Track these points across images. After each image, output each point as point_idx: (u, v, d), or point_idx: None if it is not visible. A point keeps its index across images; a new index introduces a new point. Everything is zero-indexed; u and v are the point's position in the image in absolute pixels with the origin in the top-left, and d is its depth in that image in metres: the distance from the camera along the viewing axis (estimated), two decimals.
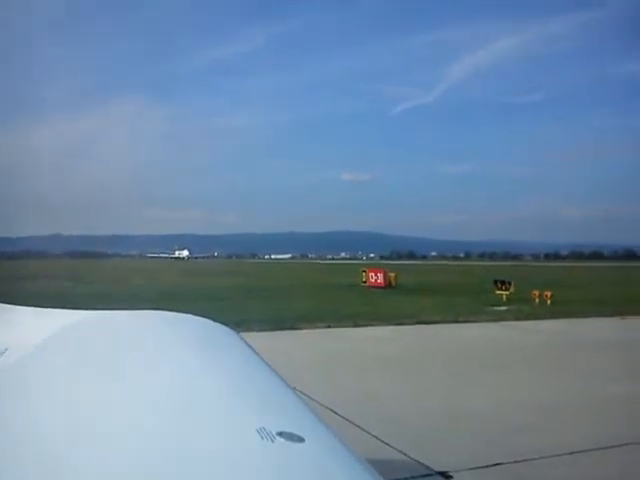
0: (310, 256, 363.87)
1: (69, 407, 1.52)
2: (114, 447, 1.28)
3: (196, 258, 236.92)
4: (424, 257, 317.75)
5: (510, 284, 28.66)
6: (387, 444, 6.95)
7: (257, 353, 2.27)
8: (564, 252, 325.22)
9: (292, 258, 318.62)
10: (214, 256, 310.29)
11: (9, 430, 1.38)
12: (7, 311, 2.86)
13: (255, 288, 38.28)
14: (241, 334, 2.64)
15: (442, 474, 6.11)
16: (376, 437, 7.18)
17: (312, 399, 7.63)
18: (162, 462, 1.19)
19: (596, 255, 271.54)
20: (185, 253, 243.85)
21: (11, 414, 1.51)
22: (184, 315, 2.75)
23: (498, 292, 28.52)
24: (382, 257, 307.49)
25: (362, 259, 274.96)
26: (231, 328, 2.68)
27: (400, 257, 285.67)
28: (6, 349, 2.25)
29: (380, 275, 39.54)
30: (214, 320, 2.75)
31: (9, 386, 1.84)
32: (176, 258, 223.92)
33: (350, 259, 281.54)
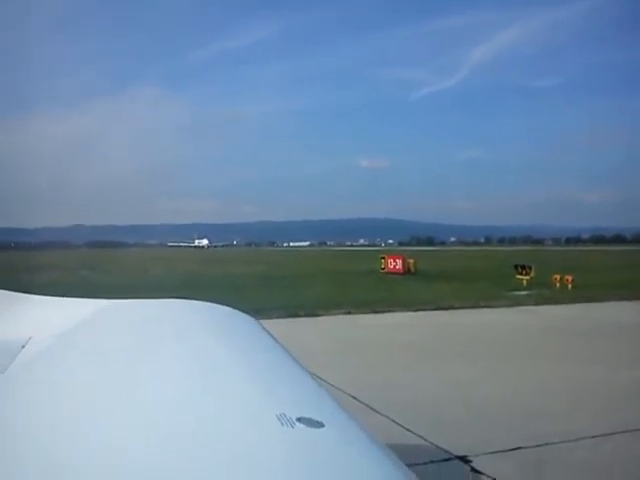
0: (328, 243, 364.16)
1: (93, 396, 1.55)
2: (137, 433, 1.30)
3: (215, 247, 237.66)
4: (443, 243, 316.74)
5: (531, 269, 28.45)
6: (407, 429, 6.97)
7: (277, 340, 2.29)
8: (585, 236, 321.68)
9: (310, 246, 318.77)
10: (233, 244, 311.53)
11: (34, 420, 1.41)
12: (30, 301, 2.91)
13: (275, 276, 38.42)
14: (261, 321, 2.67)
15: (461, 458, 6.12)
16: (396, 422, 7.20)
17: (332, 385, 7.67)
18: (183, 448, 1.21)
19: (618, 238, 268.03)
20: (205, 242, 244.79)
21: (36, 404, 1.54)
22: (205, 303, 2.78)
23: (519, 277, 28.33)
24: (401, 243, 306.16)
25: (381, 246, 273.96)
26: (251, 315, 2.71)
27: (419, 243, 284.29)
28: (30, 338, 2.29)
29: (399, 261, 39.45)
30: (234, 308, 2.77)
31: (33, 376, 1.88)
32: (196, 247, 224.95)
33: (369, 246, 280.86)
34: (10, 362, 1.94)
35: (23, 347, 2.17)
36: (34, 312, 2.71)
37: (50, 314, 2.67)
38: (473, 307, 19.75)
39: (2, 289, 2.93)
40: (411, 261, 39.75)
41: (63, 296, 3.10)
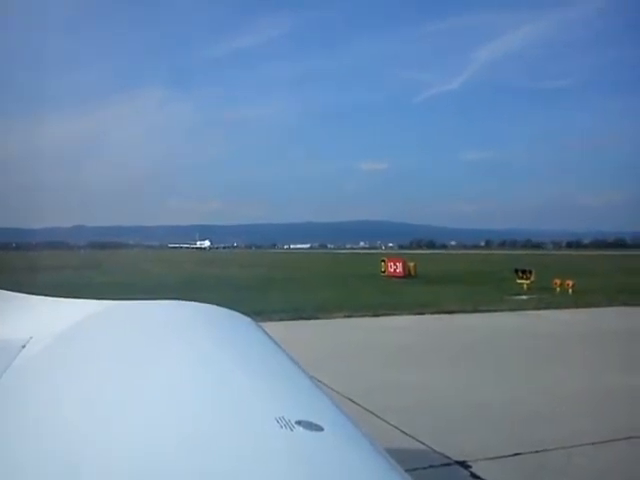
0: (329, 246, 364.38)
1: (93, 397, 1.55)
2: (134, 435, 1.29)
3: (217, 248, 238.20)
4: (444, 246, 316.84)
5: (531, 273, 28.42)
6: (406, 434, 6.96)
7: (276, 342, 2.28)
8: (586, 240, 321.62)
9: (311, 248, 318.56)
10: (234, 246, 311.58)
11: (35, 420, 1.41)
12: (30, 301, 2.91)
13: (275, 278, 38.39)
14: (261, 324, 2.66)
15: (461, 463, 6.11)
16: (395, 427, 7.18)
17: (331, 388, 7.67)
18: (182, 450, 1.20)
19: (619, 243, 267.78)
20: (207, 243, 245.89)
21: (36, 404, 1.54)
22: (203, 304, 2.77)
23: (519, 281, 28.29)
24: (401, 246, 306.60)
25: (381, 249, 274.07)
26: (250, 317, 2.70)
27: (420, 246, 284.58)
28: (30, 338, 2.29)
29: (399, 265, 39.40)
30: (233, 310, 2.77)
31: (32, 375, 1.87)
32: (197, 248, 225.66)
33: (369, 249, 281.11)
34: (10, 362, 1.94)
35: (23, 347, 2.17)
36: (34, 312, 2.71)
37: (50, 314, 2.67)
38: (474, 311, 19.72)
39: (2, 289, 2.93)
40: (411, 264, 39.70)
41: (63, 297, 3.10)
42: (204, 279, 36.22)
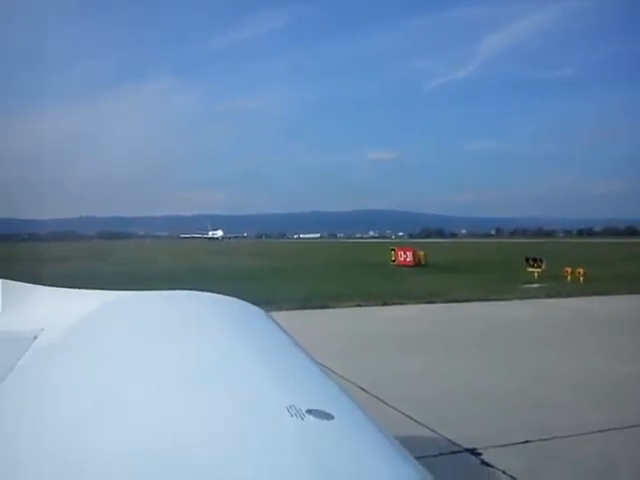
0: (338, 235, 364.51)
1: (105, 388, 1.56)
2: (148, 424, 1.30)
3: (229, 238, 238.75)
4: (454, 235, 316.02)
5: (542, 261, 28.31)
6: (417, 422, 6.97)
7: (286, 332, 2.28)
8: (597, 228, 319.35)
9: (320, 238, 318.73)
10: (244, 236, 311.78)
11: (48, 412, 1.42)
12: (42, 292, 2.92)
13: (286, 267, 38.46)
14: (271, 313, 2.67)
15: (471, 451, 6.11)
16: (406, 415, 7.20)
17: (342, 377, 7.69)
18: (194, 439, 1.21)
19: (631, 231, 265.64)
20: (219, 233, 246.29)
21: (47, 396, 1.55)
22: (214, 294, 2.78)
23: (530, 270, 28.19)
24: (411, 236, 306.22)
25: (391, 238, 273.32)
26: (260, 307, 2.71)
27: (429, 235, 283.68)
28: (42, 329, 2.30)
29: (409, 254, 39.35)
30: (244, 299, 2.77)
31: (44, 367, 1.89)
32: (210, 238, 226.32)
33: (379, 238, 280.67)
34: (22, 354, 1.95)
35: (35, 338, 2.19)
36: (46, 303, 2.72)
37: (62, 305, 2.68)
38: (484, 300, 19.66)
39: (12, 280, 2.94)
40: (421, 253, 39.63)
41: (76, 287, 3.10)
42: (228, 269, 36.02)
